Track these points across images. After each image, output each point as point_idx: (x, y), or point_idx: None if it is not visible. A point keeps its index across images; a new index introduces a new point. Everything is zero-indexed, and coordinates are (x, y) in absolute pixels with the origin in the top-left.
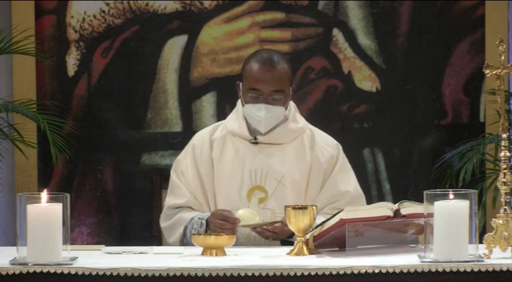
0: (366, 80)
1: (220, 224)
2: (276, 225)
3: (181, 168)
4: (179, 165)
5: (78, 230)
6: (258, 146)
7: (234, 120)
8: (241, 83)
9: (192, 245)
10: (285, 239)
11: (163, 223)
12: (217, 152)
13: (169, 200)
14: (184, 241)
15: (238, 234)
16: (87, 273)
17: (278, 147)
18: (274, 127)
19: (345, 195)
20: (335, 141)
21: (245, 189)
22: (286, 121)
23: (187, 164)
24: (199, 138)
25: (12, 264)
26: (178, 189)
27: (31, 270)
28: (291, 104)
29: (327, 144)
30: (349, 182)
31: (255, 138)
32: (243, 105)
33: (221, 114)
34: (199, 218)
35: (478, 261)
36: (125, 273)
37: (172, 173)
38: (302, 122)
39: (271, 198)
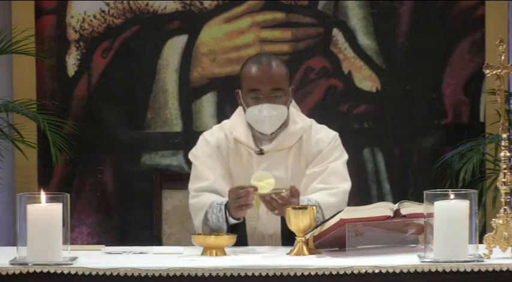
0: (366, 80)
1: (236, 195)
2: (283, 194)
3: (201, 157)
4: (197, 154)
5: (78, 230)
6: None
7: (240, 127)
8: (240, 91)
9: (215, 229)
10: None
11: (191, 200)
12: (231, 156)
13: (194, 184)
14: (208, 224)
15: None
16: (87, 273)
17: (281, 153)
18: (278, 129)
19: (327, 169)
20: (333, 134)
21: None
22: (287, 126)
23: (209, 153)
24: (214, 138)
25: (12, 264)
26: (203, 172)
27: (31, 270)
28: (292, 104)
29: (324, 140)
30: (335, 161)
31: (261, 150)
32: (245, 112)
33: (221, 114)
34: (217, 204)
35: (478, 261)
36: (125, 273)
37: (193, 160)
38: (301, 120)
39: None
